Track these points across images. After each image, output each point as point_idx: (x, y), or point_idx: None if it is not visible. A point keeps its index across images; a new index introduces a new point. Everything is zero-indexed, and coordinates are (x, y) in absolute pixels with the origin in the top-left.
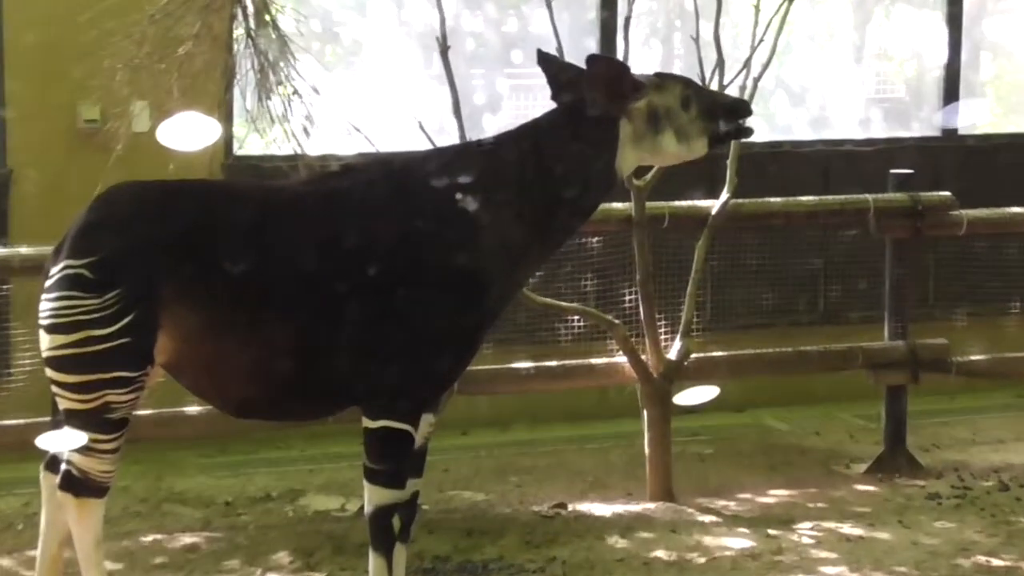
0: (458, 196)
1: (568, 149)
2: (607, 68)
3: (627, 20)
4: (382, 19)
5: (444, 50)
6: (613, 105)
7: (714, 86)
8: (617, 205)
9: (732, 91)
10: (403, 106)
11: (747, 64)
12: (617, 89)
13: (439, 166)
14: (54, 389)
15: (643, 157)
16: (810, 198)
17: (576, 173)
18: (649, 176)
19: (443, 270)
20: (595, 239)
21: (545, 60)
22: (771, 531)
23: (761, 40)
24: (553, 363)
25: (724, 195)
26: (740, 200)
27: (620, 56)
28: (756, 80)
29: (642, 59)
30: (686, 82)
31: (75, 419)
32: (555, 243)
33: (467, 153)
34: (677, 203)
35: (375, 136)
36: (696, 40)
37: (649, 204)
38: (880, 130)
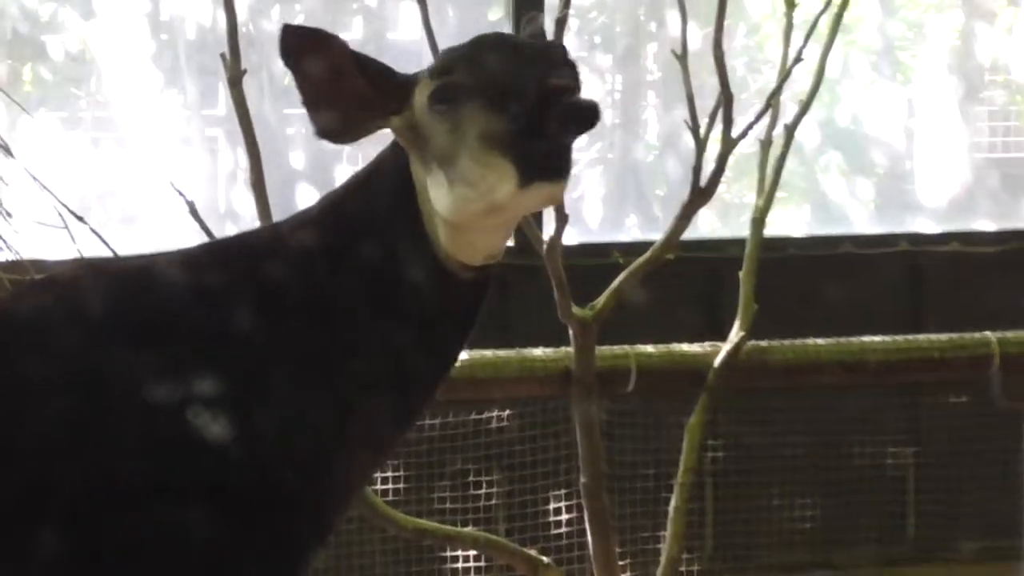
0: (214, 335)
1: (365, 233)
2: (308, 45)
3: (560, 22)
4: (125, 20)
5: (236, 77)
6: (337, 127)
7: (716, 136)
8: (544, 351)
9: (749, 146)
10: (164, 173)
11: (773, 100)
12: (332, 88)
13: (190, 277)
14: None
15: (466, 228)
16: (885, 339)
17: (382, 280)
18: (602, 298)
19: (197, 468)
20: (504, 412)
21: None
22: None
23: (798, 59)
24: None
25: (735, 333)
26: (762, 342)
27: None
28: (791, 129)
29: (588, 88)
30: (460, 56)
31: None
32: (398, 415)
33: (232, 252)
34: (652, 348)
35: (111, 229)
36: (682, 58)
37: (604, 349)
38: (1007, 216)
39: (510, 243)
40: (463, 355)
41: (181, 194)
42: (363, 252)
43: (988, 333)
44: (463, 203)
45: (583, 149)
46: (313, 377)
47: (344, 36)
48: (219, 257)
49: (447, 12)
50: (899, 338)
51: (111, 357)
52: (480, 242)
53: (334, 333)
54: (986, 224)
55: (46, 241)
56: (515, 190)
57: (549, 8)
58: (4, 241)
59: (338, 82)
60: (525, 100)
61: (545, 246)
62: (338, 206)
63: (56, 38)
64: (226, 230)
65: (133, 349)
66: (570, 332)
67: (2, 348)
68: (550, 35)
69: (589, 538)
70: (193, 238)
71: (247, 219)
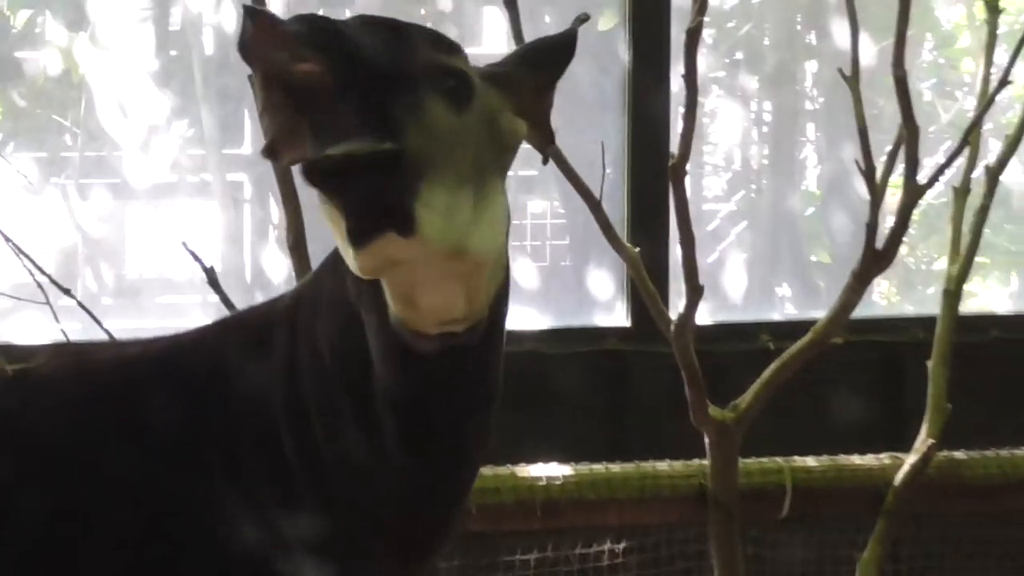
0: (196, 448)
1: (335, 301)
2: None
3: (692, 33)
4: (124, 31)
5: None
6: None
7: (896, 182)
8: (672, 465)
9: (939, 195)
10: (174, 230)
11: (971, 135)
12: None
13: (182, 372)
14: None
15: (388, 282)
16: None
17: (348, 359)
18: (748, 395)
19: None
20: (619, 544)
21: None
22: None
23: (1004, 82)
24: None
25: (921, 440)
26: (957, 452)
27: (681, 112)
28: (994, 172)
29: (728, 118)
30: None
31: None
32: (392, 537)
33: (226, 337)
34: (814, 460)
35: (104, 304)
36: (852, 79)
37: (750, 461)
38: None
39: (625, 323)
40: (565, 469)
41: (196, 257)
42: (332, 323)
43: None
44: (344, 252)
45: (720, 199)
46: (294, 490)
47: None
48: (212, 344)
49: (543, 19)
50: None
51: (89, 473)
52: (421, 299)
53: (308, 434)
54: None
55: (20, 320)
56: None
57: (678, 14)
58: None
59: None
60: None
61: (673, 326)
62: (323, 266)
63: (33, 54)
64: (255, 302)
65: (115, 466)
66: (705, 439)
67: None
68: (677, 49)
69: None
70: (211, 313)
71: (282, 288)
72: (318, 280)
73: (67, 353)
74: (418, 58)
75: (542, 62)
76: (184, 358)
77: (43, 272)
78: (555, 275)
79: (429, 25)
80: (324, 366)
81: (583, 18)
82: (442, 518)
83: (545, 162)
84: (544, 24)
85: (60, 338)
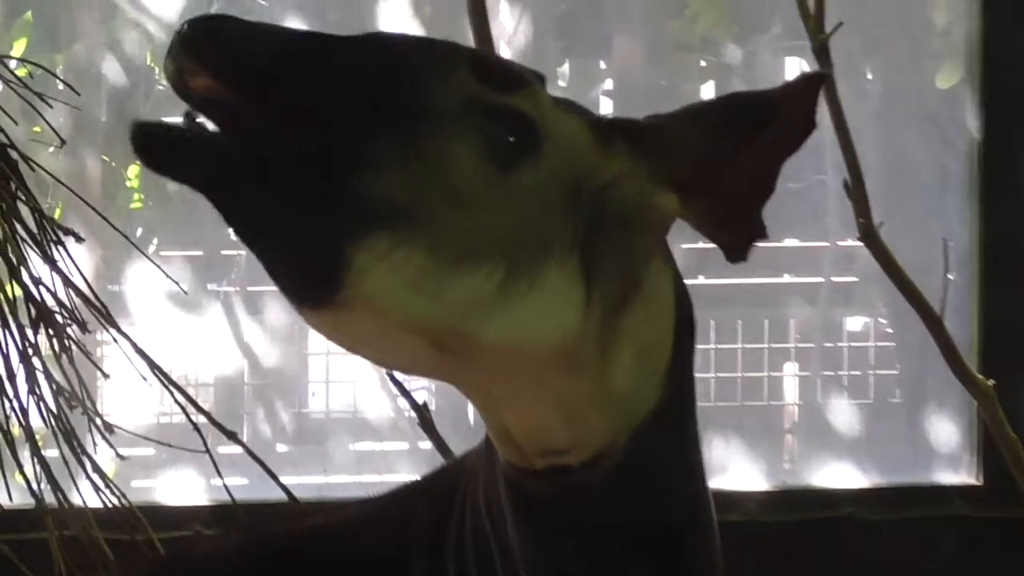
0: None
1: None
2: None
3: None
4: None
5: None
6: None
7: None
8: None
9: None
10: None
11: None
12: None
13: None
14: None
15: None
16: None
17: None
18: None
19: None
20: None
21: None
22: None
23: None
24: None
25: None
26: None
27: None
28: None
29: None
30: None
31: None
32: None
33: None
34: None
35: (279, 452)
36: None
37: None
38: None
39: (975, 480)
40: None
41: (404, 391)
42: (483, 467)
43: None
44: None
45: None
46: None
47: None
48: (403, 512)
49: (864, 73)
50: None
51: None
52: (507, 419)
53: None
54: None
55: (172, 474)
56: None
57: None
58: (100, 475)
59: None
60: None
61: None
62: None
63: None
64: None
65: None
66: None
67: None
68: None
69: None
70: (422, 464)
71: None
72: None
73: (234, 527)
74: (446, 90)
75: (724, 122)
76: (369, 534)
77: (200, 410)
78: (881, 416)
79: (711, 82)
80: (481, 524)
81: (822, 74)
82: None
83: (732, 260)
84: (865, 81)
85: (223, 498)
